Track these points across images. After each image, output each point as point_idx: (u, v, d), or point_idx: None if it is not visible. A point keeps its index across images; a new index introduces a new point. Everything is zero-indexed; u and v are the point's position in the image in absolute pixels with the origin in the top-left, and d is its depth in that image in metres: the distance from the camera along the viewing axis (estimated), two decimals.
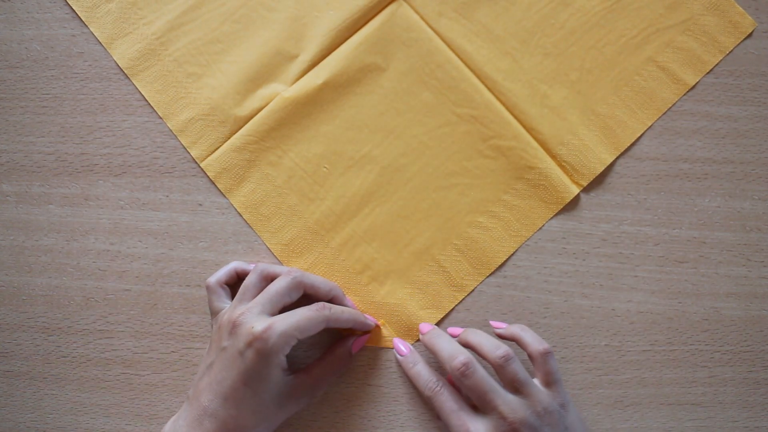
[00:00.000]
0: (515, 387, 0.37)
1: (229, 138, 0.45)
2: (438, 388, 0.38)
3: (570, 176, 0.44)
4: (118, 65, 0.46)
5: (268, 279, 0.40)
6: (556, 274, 0.43)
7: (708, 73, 0.45)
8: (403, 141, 0.45)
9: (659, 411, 0.42)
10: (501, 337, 0.41)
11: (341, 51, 0.45)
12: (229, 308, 0.39)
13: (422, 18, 0.45)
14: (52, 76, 0.46)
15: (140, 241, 0.44)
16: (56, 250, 0.44)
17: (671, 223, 0.43)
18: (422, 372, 0.40)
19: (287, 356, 0.37)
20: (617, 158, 0.44)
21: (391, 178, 0.45)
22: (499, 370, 0.37)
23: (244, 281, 0.40)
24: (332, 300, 0.41)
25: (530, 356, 0.38)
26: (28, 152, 0.45)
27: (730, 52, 0.45)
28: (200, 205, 0.44)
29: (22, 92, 0.46)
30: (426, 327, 0.42)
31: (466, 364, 0.37)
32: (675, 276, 0.43)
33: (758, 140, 0.44)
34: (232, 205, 0.44)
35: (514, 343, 0.40)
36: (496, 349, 0.37)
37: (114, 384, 0.43)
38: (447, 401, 0.38)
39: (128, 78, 0.46)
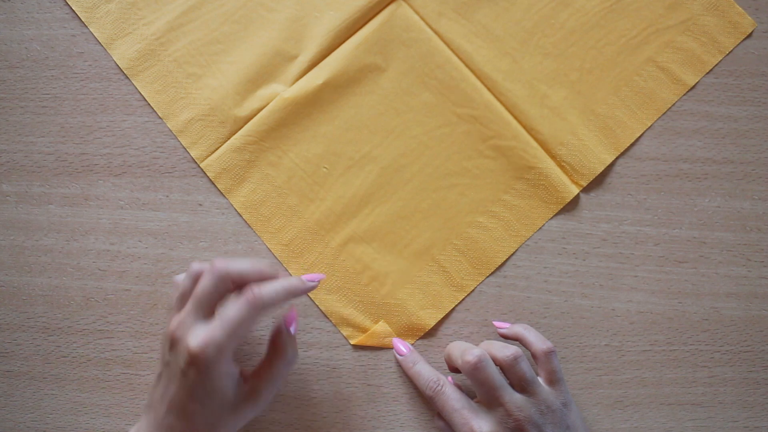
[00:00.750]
0: (522, 386, 0.38)
1: (228, 138, 0.45)
2: (439, 387, 0.39)
3: (570, 176, 0.45)
4: (118, 66, 0.46)
5: (197, 279, 0.37)
6: (556, 274, 0.44)
7: (708, 73, 0.45)
8: (403, 141, 0.45)
9: (659, 411, 0.42)
10: (504, 336, 0.41)
11: (341, 51, 0.45)
12: (169, 317, 0.37)
13: (422, 18, 0.46)
14: (52, 76, 0.46)
15: (140, 241, 0.45)
16: (56, 250, 0.45)
17: (671, 223, 0.44)
18: (422, 371, 0.40)
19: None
20: (617, 158, 0.45)
21: (390, 179, 0.45)
22: (509, 369, 0.38)
23: (180, 286, 0.37)
24: (264, 280, 0.36)
25: (534, 355, 0.39)
26: (28, 152, 0.46)
27: (729, 53, 0.45)
28: (200, 205, 0.45)
29: (22, 92, 0.46)
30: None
31: (479, 358, 0.37)
32: (675, 276, 0.43)
33: (758, 140, 0.44)
34: (232, 205, 0.45)
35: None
36: (505, 349, 0.38)
37: (114, 384, 0.43)
38: (449, 399, 0.38)
39: (128, 78, 0.46)
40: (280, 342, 0.38)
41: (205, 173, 0.45)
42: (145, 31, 0.46)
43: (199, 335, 0.34)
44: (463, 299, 0.44)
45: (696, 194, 0.44)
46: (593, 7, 0.46)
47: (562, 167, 0.45)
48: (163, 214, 0.45)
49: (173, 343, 0.35)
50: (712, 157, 0.44)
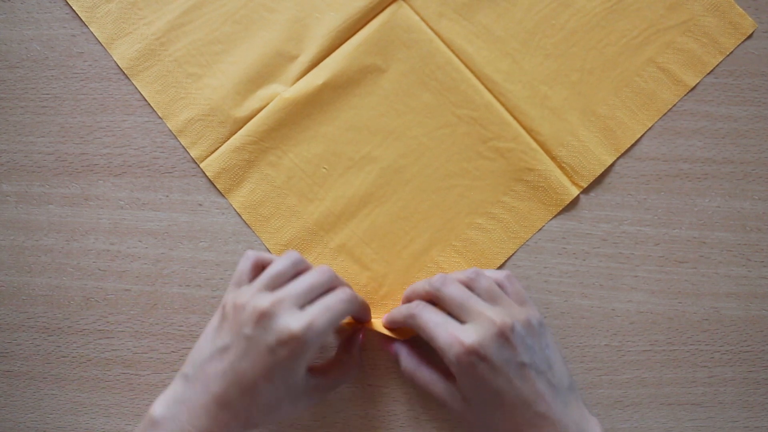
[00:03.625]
0: (492, 299, 0.39)
1: (228, 138, 0.47)
2: (419, 306, 0.39)
3: (570, 178, 0.46)
4: (118, 65, 0.48)
5: (300, 272, 0.39)
6: (556, 274, 0.45)
7: (708, 73, 0.47)
8: (403, 142, 0.47)
9: (659, 411, 0.44)
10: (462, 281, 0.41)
11: (341, 52, 0.47)
12: (252, 291, 0.37)
13: (422, 19, 0.47)
14: (52, 76, 0.48)
15: (140, 241, 0.46)
16: (56, 250, 0.47)
17: (671, 223, 0.46)
18: (400, 307, 0.41)
19: None
20: (617, 159, 0.46)
21: (390, 179, 0.47)
22: (473, 284, 0.39)
23: (275, 266, 0.38)
24: None
25: (498, 284, 0.40)
26: (28, 152, 0.48)
27: (730, 53, 0.47)
28: (200, 205, 0.47)
29: (22, 92, 0.48)
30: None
31: (442, 278, 0.39)
32: (675, 276, 0.45)
33: (758, 140, 0.46)
34: (231, 205, 0.47)
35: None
36: (463, 273, 0.40)
37: (114, 384, 0.45)
38: (431, 315, 0.38)
39: (128, 78, 0.48)
40: (354, 349, 0.42)
41: (204, 173, 0.47)
42: (145, 31, 0.48)
43: (302, 318, 0.35)
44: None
45: (696, 194, 0.46)
46: (594, 8, 0.48)
47: (562, 168, 0.46)
48: (163, 214, 0.47)
49: (264, 317, 0.35)
50: (712, 157, 0.46)
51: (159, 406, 0.36)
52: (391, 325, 0.42)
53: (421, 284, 0.41)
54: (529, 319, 0.38)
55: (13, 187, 0.47)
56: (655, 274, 0.45)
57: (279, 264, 0.38)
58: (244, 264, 0.40)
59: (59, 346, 0.46)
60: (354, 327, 0.43)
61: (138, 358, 0.45)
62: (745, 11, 0.47)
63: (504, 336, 0.37)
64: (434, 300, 0.40)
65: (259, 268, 0.40)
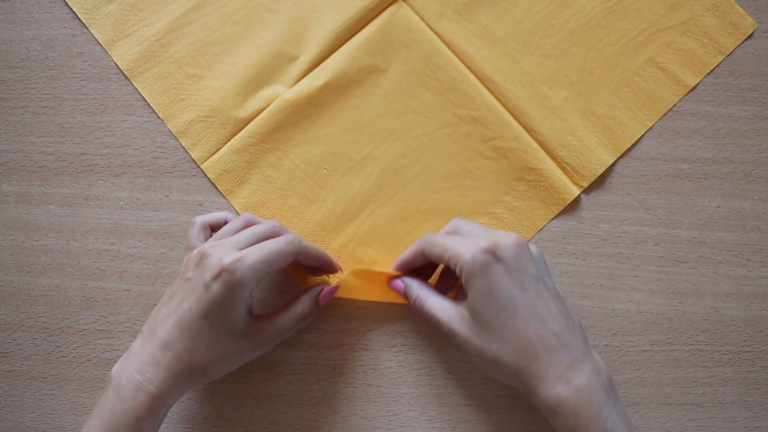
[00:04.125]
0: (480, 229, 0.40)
1: (229, 140, 0.48)
2: (427, 235, 0.41)
3: (570, 177, 0.47)
4: (119, 67, 0.49)
5: (250, 226, 0.41)
6: (556, 274, 0.46)
7: (708, 73, 0.48)
8: (404, 142, 0.48)
9: (659, 411, 0.44)
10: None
11: (342, 52, 0.48)
12: (203, 244, 0.40)
13: (423, 19, 0.48)
14: (52, 76, 0.49)
15: (140, 241, 0.47)
16: (56, 250, 0.47)
17: (671, 223, 0.46)
18: (409, 247, 0.43)
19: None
20: (618, 159, 0.47)
21: (391, 180, 0.47)
22: (457, 231, 0.41)
23: (227, 224, 0.42)
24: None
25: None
26: (28, 152, 0.48)
27: (730, 53, 0.48)
28: (200, 205, 0.48)
29: (22, 92, 0.49)
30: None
31: (458, 219, 0.41)
32: (675, 276, 0.46)
33: (758, 140, 0.47)
34: (232, 205, 0.48)
35: None
36: (446, 228, 0.42)
37: None
38: (442, 234, 0.41)
39: (128, 78, 0.49)
40: (303, 298, 0.42)
41: (205, 174, 0.48)
42: (145, 33, 0.49)
43: (235, 253, 0.37)
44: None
45: (696, 194, 0.47)
46: (594, 8, 0.48)
47: (562, 168, 0.47)
48: (163, 214, 0.47)
49: (203, 257, 0.38)
50: (712, 157, 0.47)
51: (116, 365, 0.39)
52: (403, 267, 0.43)
53: (436, 233, 0.42)
54: (534, 249, 0.40)
55: (13, 187, 0.48)
56: (655, 274, 0.46)
57: (231, 222, 0.42)
58: (191, 229, 0.43)
59: (59, 346, 0.46)
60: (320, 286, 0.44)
61: None
62: (745, 11, 0.48)
63: (521, 246, 0.37)
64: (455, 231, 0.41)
65: (208, 230, 0.43)
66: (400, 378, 0.45)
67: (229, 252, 0.38)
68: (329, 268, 0.43)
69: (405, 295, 0.42)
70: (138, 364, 0.37)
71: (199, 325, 0.37)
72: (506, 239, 0.37)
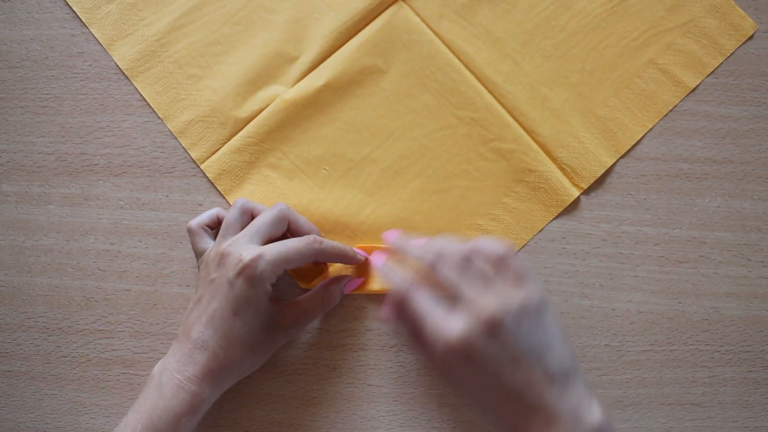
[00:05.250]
0: (486, 281, 0.38)
1: (229, 140, 0.50)
2: (411, 289, 0.39)
3: (570, 179, 0.49)
4: (119, 66, 0.51)
5: (249, 214, 0.45)
6: (556, 274, 0.48)
7: (709, 74, 0.50)
8: (404, 143, 0.50)
9: (659, 411, 0.46)
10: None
11: (341, 53, 0.50)
12: (214, 244, 0.44)
13: (423, 20, 0.51)
14: (52, 76, 0.52)
15: (140, 241, 0.50)
16: (56, 250, 0.50)
17: (671, 223, 0.49)
18: (396, 275, 0.41)
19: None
20: (618, 160, 0.49)
21: (391, 181, 0.50)
22: (467, 265, 0.39)
23: (225, 217, 0.45)
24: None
25: (493, 263, 0.39)
26: (28, 152, 0.51)
27: (730, 54, 0.50)
28: (200, 205, 0.50)
29: (22, 92, 0.51)
30: (392, 235, 0.46)
31: (438, 254, 0.39)
32: (675, 276, 0.48)
33: (758, 140, 0.49)
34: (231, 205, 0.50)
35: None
36: (459, 249, 0.39)
37: (114, 384, 0.48)
38: (421, 302, 0.38)
39: (128, 78, 0.51)
40: (331, 291, 0.45)
41: (205, 174, 0.50)
42: (145, 32, 0.51)
43: (254, 250, 0.41)
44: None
45: (696, 194, 0.49)
46: (594, 9, 0.51)
47: (562, 170, 0.49)
48: (163, 214, 0.50)
49: (223, 257, 0.41)
50: (712, 157, 0.49)
51: (157, 365, 0.42)
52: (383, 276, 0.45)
53: (418, 250, 0.41)
54: (524, 303, 0.37)
55: (13, 187, 0.51)
56: (655, 274, 0.48)
57: (228, 214, 0.45)
58: (191, 237, 0.46)
59: (59, 346, 0.49)
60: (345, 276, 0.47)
61: (138, 358, 0.48)
62: (745, 12, 0.50)
63: (492, 329, 0.36)
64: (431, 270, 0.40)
65: (208, 230, 0.47)
66: (400, 378, 0.47)
67: (248, 248, 0.41)
68: (352, 261, 0.46)
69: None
70: (177, 364, 0.41)
71: (231, 321, 0.41)
72: (476, 324, 0.36)
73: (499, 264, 0.39)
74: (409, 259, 0.43)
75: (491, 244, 0.40)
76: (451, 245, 0.40)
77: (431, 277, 0.40)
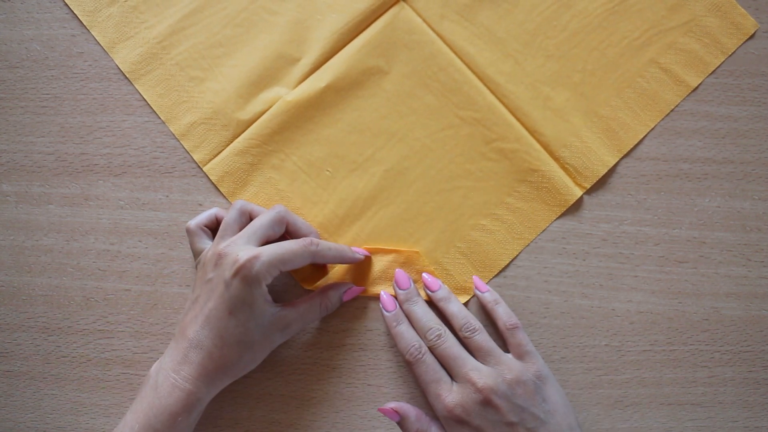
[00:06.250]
0: (483, 357, 0.45)
1: (231, 142, 0.53)
2: (420, 356, 0.45)
3: (573, 178, 0.52)
4: (120, 69, 0.54)
5: (247, 215, 0.47)
6: (556, 274, 0.51)
7: (710, 73, 0.53)
8: (406, 144, 0.53)
9: (659, 411, 0.49)
10: (479, 300, 0.49)
11: (343, 54, 0.53)
12: (212, 245, 0.46)
13: (424, 21, 0.54)
14: (52, 76, 0.54)
15: (140, 241, 0.52)
16: (56, 250, 0.52)
17: (671, 223, 0.51)
18: (405, 333, 0.47)
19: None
20: (620, 160, 0.52)
21: (394, 181, 0.52)
22: (466, 342, 0.46)
23: (224, 218, 0.47)
24: None
25: (501, 331, 0.47)
26: (28, 152, 0.53)
27: (732, 54, 0.53)
28: (200, 205, 0.52)
29: (22, 92, 0.54)
30: (404, 283, 0.49)
31: (438, 335, 0.45)
32: (675, 276, 0.50)
33: (758, 140, 0.52)
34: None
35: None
36: (463, 321, 0.46)
37: (114, 384, 0.50)
38: (426, 371, 0.45)
39: (130, 81, 0.54)
40: (330, 297, 0.48)
41: (206, 175, 0.52)
42: (147, 35, 0.54)
43: (250, 251, 0.43)
44: (465, 302, 0.51)
45: (696, 194, 0.51)
46: (595, 9, 0.53)
47: (565, 169, 0.52)
48: (163, 214, 0.52)
49: (220, 257, 0.44)
50: (712, 157, 0.52)
51: (153, 365, 0.45)
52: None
53: (422, 322, 0.47)
54: (519, 377, 0.44)
55: (13, 187, 0.53)
56: (655, 274, 0.51)
57: (227, 215, 0.47)
58: (190, 238, 0.49)
59: (59, 346, 0.51)
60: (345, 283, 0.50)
61: (138, 358, 0.51)
62: (746, 11, 0.53)
63: (486, 400, 0.43)
64: (429, 348, 0.46)
65: (207, 230, 0.49)
66: (400, 378, 0.50)
67: (245, 249, 0.44)
68: (350, 261, 0.49)
69: (400, 425, 0.46)
70: (173, 363, 0.43)
71: (226, 321, 0.43)
72: (471, 394, 0.43)
73: (504, 335, 0.46)
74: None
75: (504, 314, 0.47)
76: (459, 311, 0.47)
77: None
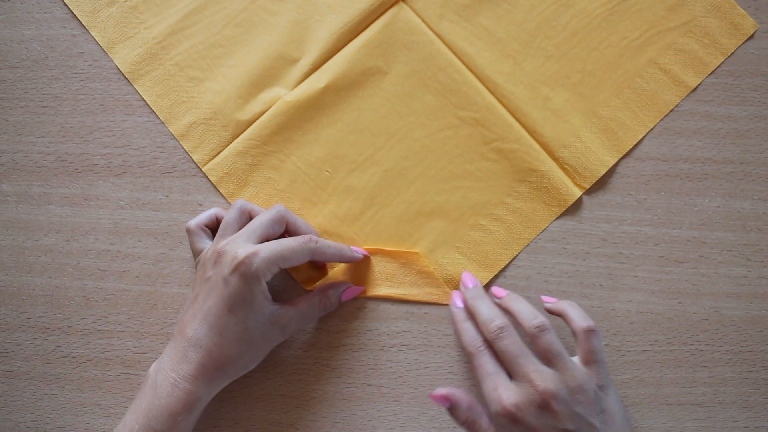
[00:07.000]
0: (548, 359, 0.43)
1: (231, 142, 0.53)
2: (482, 347, 0.45)
3: (572, 179, 0.53)
4: (119, 69, 0.55)
5: (247, 214, 0.48)
6: (556, 274, 0.52)
7: (710, 74, 0.54)
8: (406, 144, 0.53)
9: (659, 411, 0.49)
10: (549, 311, 0.48)
11: (343, 54, 0.54)
12: (212, 244, 0.47)
13: (424, 21, 0.54)
14: (52, 76, 0.55)
15: (140, 241, 0.53)
16: (56, 250, 0.53)
17: (671, 223, 0.52)
18: (470, 329, 0.46)
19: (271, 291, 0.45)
20: (619, 160, 0.53)
21: (393, 182, 0.53)
22: (534, 340, 0.44)
23: (224, 218, 0.48)
24: None
25: (573, 332, 0.45)
26: (28, 152, 0.54)
27: (731, 54, 0.54)
28: (200, 205, 0.53)
29: (22, 92, 0.55)
30: (470, 282, 0.49)
31: (501, 327, 0.44)
32: (675, 276, 0.51)
33: (758, 140, 0.53)
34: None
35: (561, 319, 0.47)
36: (533, 318, 0.44)
37: (114, 384, 0.51)
38: (486, 363, 0.44)
39: (129, 81, 0.55)
40: (329, 296, 0.49)
41: (205, 175, 0.53)
42: (146, 35, 0.55)
43: (249, 248, 0.44)
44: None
45: (696, 194, 0.52)
46: (595, 9, 0.54)
47: (564, 170, 0.53)
48: (163, 214, 0.53)
49: (219, 256, 0.44)
50: (712, 157, 0.53)
51: (153, 364, 0.45)
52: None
53: (483, 317, 0.46)
54: (581, 384, 0.42)
55: (13, 187, 0.54)
56: (655, 274, 0.51)
57: (227, 215, 0.48)
58: (190, 237, 0.50)
59: (59, 346, 0.52)
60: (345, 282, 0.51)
61: (138, 358, 0.51)
62: (745, 11, 0.54)
63: (544, 403, 0.41)
64: (490, 343, 0.45)
65: (207, 230, 0.50)
66: (400, 378, 0.51)
67: (243, 246, 0.44)
68: (349, 260, 0.50)
69: (450, 411, 0.45)
70: (172, 362, 0.43)
71: (226, 319, 0.43)
72: (529, 395, 0.42)
73: (581, 337, 0.44)
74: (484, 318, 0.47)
75: (578, 316, 0.45)
76: (527, 309, 0.46)
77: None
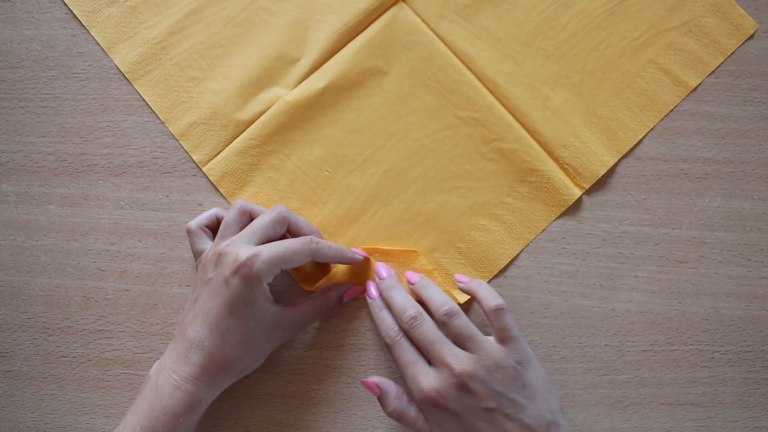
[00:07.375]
0: (462, 342, 0.44)
1: (231, 142, 0.54)
2: (398, 338, 0.46)
3: (572, 179, 0.53)
4: (119, 69, 0.55)
5: (247, 215, 0.48)
6: (556, 274, 0.52)
7: (709, 74, 0.54)
8: (405, 144, 0.54)
9: (659, 411, 0.50)
10: (461, 291, 0.49)
11: (343, 54, 0.54)
12: (212, 245, 0.47)
13: (424, 21, 0.55)
14: (52, 76, 0.55)
15: (140, 241, 0.53)
16: (56, 250, 0.53)
17: (671, 223, 0.52)
18: (386, 319, 0.47)
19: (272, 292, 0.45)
20: (619, 160, 0.53)
21: (393, 182, 0.53)
22: (444, 327, 0.45)
23: (224, 218, 0.48)
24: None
25: (485, 313, 0.45)
26: (28, 152, 0.55)
27: (731, 54, 0.54)
28: (200, 205, 0.54)
29: (22, 92, 0.55)
30: (384, 272, 0.49)
31: (413, 317, 0.45)
32: (675, 276, 0.51)
33: (758, 140, 0.53)
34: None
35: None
36: (441, 305, 0.45)
37: (114, 384, 0.51)
38: (404, 353, 0.45)
39: (129, 81, 0.55)
40: (331, 297, 0.49)
41: (206, 175, 0.54)
42: (146, 35, 0.55)
43: (250, 249, 0.44)
44: (465, 302, 0.52)
45: (696, 194, 0.53)
46: (595, 9, 0.55)
47: (564, 170, 0.53)
48: (163, 214, 0.54)
49: (220, 257, 0.44)
50: (712, 157, 0.53)
51: (154, 365, 0.45)
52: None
53: (398, 309, 0.47)
54: (498, 362, 0.43)
55: (13, 187, 0.54)
56: (655, 274, 0.52)
57: (227, 215, 0.48)
58: (191, 238, 0.50)
59: (59, 346, 0.52)
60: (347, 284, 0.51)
61: (138, 358, 0.52)
62: (745, 11, 0.54)
63: (463, 385, 0.42)
64: (405, 332, 0.46)
65: (207, 231, 0.50)
66: (400, 378, 0.51)
67: (244, 248, 0.44)
68: (350, 261, 0.50)
69: (380, 400, 0.47)
70: (174, 364, 0.44)
71: (227, 320, 0.44)
72: (447, 378, 0.43)
73: (492, 317, 0.45)
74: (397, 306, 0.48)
75: (487, 296, 0.46)
76: (437, 296, 0.47)
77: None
